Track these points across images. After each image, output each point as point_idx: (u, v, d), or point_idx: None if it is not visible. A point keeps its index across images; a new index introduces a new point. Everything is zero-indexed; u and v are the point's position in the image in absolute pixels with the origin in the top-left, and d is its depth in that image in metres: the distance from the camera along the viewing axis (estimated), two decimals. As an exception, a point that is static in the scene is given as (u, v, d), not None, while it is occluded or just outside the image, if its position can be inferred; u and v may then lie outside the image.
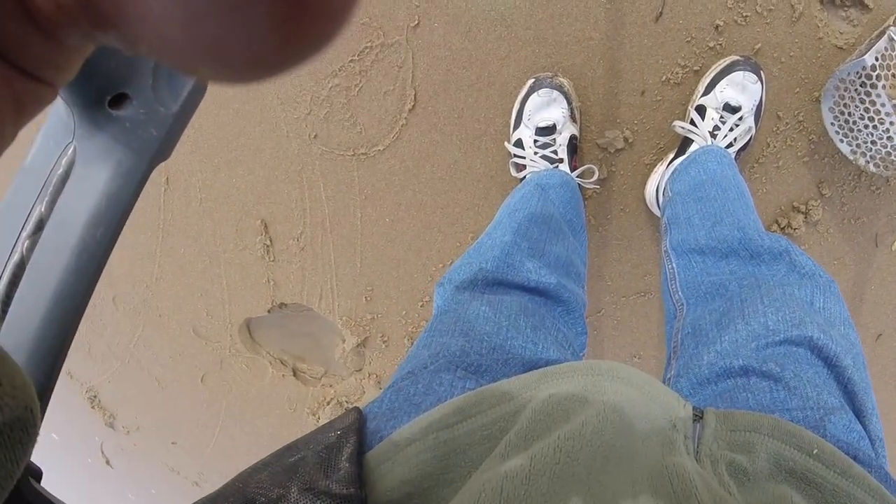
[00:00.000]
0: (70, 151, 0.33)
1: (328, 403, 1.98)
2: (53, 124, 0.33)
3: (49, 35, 0.16)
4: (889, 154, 1.13)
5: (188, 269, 1.81)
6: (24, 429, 0.25)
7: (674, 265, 1.03)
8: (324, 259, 1.64)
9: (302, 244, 1.63)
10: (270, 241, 1.65)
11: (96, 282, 0.34)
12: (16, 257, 0.32)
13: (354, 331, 1.74)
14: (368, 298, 1.67)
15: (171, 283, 1.86)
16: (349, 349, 1.78)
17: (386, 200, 1.50)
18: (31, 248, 0.32)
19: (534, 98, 1.22)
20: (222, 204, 1.63)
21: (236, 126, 1.49)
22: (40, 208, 0.33)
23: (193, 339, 1.99)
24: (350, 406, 1.95)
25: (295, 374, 1.99)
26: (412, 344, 1.68)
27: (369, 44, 1.31)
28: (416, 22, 1.27)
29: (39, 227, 0.32)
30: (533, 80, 1.24)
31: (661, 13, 1.19)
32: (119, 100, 0.33)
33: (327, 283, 1.68)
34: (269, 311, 1.81)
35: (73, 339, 0.34)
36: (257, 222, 1.63)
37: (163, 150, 0.35)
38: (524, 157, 1.25)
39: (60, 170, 0.33)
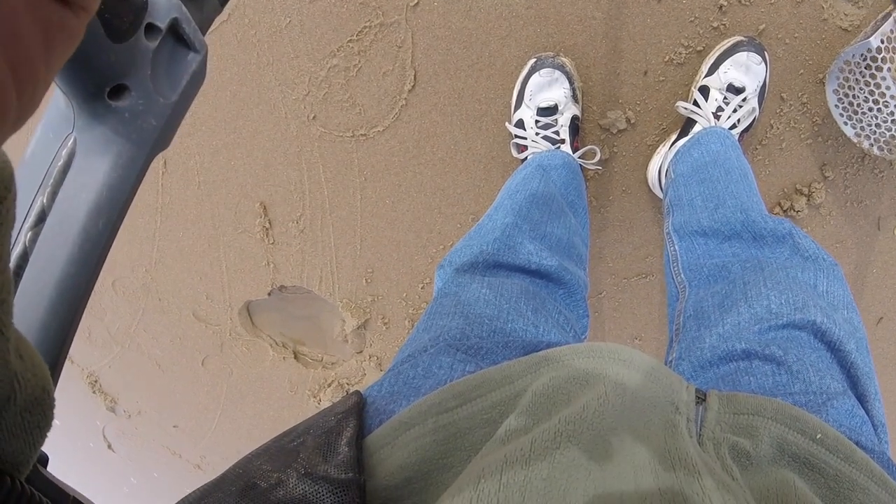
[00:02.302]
0: (70, 143, 0.32)
1: (329, 385, 1.99)
2: (53, 116, 0.33)
3: None
4: (893, 137, 1.12)
5: (187, 253, 1.80)
6: (42, 412, 0.25)
7: (676, 247, 1.03)
8: (323, 241, 1.63)
9: (301, 226, 1.62)
10: (270, 223, 1.65)
11: (99, 272, 0.34)
12: (18, 249, 0.32)
13: (355, 313, 1.74)
14: (368, 280, 1.67)
15: (170, 266, 1.86)
16: (349, 331, 1.78)
17: (386, 182, 1.49)
18: (33, 240, 0.32)
19: (535, 78, 1.21)
20: (221, 187, 1.62)
21: (234, 108, 1.48)
22: (42, 200, 0.32)
23: (193, 323, 1.99)
24: (351, 388, 1.96)
25: (296, 357, 2.00)
26: (412, 326, 1.68)
27: (368, 24, 1.29)
28: (416, 1, 1.25)
29: (41, 218, 0.32)
30: (534, 59, 1.23)
31: (663, -9, 1.18)
32: (118, 91, 0.33)
33: (327, 265, 1.67)
34: (269, 294, 1.81)
35: (77, 328, 0.34)
36: (256, 205, 1.62)
37: (162, 140, 0.35)
38: (525, 138, 1.25)
39: (61, 161, 0.32)
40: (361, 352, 1.88)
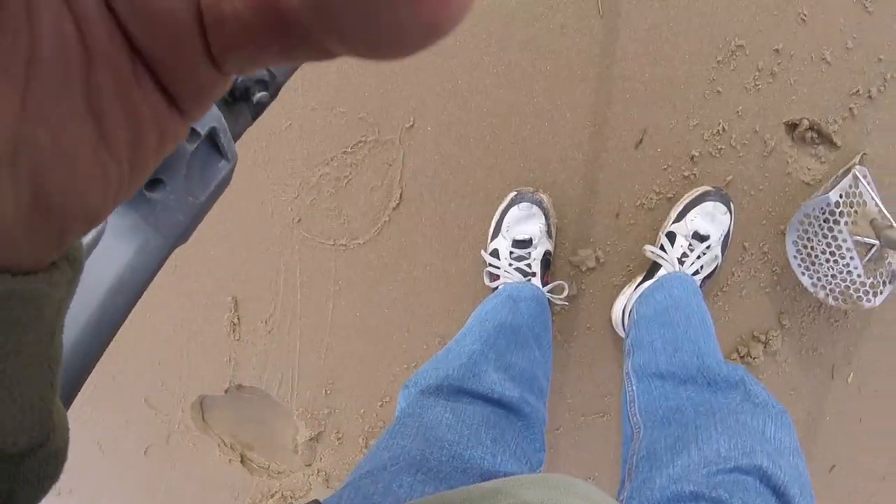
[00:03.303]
0: (101, 223, 0.34)
1: (272, 496, 1.91)
2: None
3: (214, 62, 0.18)
4: (848, 288, 1.18)
5: (150, 336, 1.77)
6: (57, 464, 0.26)
7: (634, 388, 1.06)
8: (289, 345, 1.62)
9: (270, 327, 1.62)
10: (238, 319, 1.64)
11: (106, 347, 0.35)
12: None
13: (310, 423, 1.70)
14: (328, 392, 1.65)
15: (131, 346, 1.82)
16: (301, 442, 1.74)
17: (359, 294, 1.51)
18: None
19: (514, 211, 1.27)
20: (196, 275, 1.63)
21: (223, 200, 1.50)
22: None
23: (143, 409, 1.93)
24: (295, 502, 1.88)
25: (242, 461, 1.93)
26: (367, 445, 1.65)
27: (363, 138, 1.36)
28: (411, 123, 1.32)
29: None
30: (515, 193, 1.29)
31: (641, 140, 1.26)
32: (154, 183, 0.35)
33: (289, 370, 1.66)
34: (225, 391, 1.78)
35: (76, 396, 0.35)
36: (228, 298, 1.62)
37: (185, 236, 0.37)
38: (499, 268, 1.29)
39: (90, 237, 0.34)
40: (310, 465, 1.82)
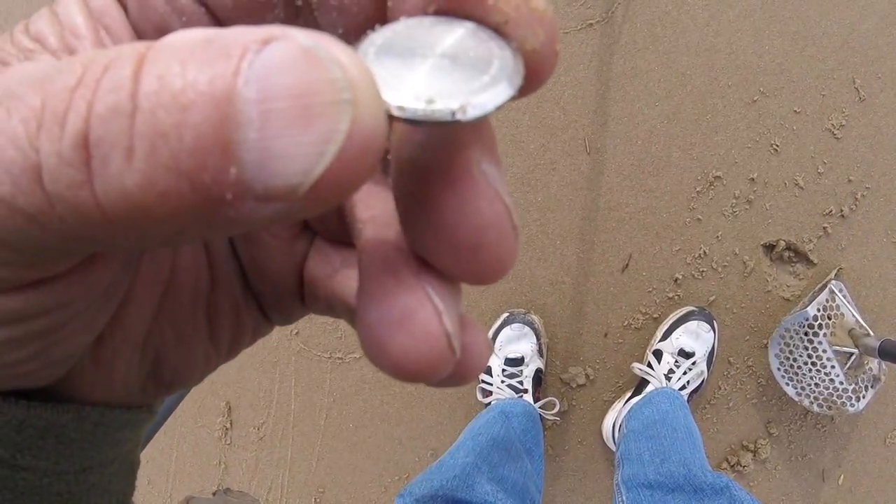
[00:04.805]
0: None
1: None
2: None
3: (304, 304, 0.24)
4: (831, 395, 1.23)
5: (140, 440, 1.77)
6: None
7: (624, 498, 1.09)
8: (280, 453, 1.63)
9: (262, 434, 1.62)
10: (231, 423, 1.65)
11: None
12: None
13: (299, 529, 1.69)
14: (318, 500, 1.64)
15: (119, 452, 1.81)
16: (290, 545, 1.72)
17: (353, 406, 1.53)
18: None
19: (506, 331, 1.31)
20: (189, 381, 1.64)
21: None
22: None
23: (129, 511, 1.90)
24: None
25: (228, 564, 1.90)
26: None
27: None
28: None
29: None
30: (507, 314, 1.34)
31: (627, 265, 1.32)
32: None
33: (279, 477, 1.65)
34: (213, 494, 1.76)
35: None
36: (222, 403, 1.63)
37: None
38: (492, 385, 1.32)
39: None
40: (298, 569, 1.80)
